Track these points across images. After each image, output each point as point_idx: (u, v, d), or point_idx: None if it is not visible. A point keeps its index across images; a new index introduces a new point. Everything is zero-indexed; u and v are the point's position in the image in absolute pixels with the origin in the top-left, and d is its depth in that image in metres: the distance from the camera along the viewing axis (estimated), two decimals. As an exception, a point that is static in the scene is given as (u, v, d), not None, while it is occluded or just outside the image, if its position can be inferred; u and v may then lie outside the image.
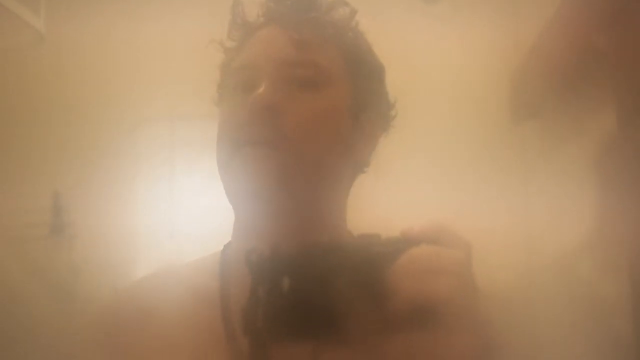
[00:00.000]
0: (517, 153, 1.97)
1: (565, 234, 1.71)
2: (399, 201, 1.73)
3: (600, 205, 1.26)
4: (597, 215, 1.27)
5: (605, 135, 1.32)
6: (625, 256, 1.25)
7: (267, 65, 0.73)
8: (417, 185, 1.87)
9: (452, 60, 1.97)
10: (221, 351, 0.71)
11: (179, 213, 2.04)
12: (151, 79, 1.98)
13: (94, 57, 2.04)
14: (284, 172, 0.70)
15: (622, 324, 1.24)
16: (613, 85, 1.23)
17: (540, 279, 1.89)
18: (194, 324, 0.73)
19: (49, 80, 2.02)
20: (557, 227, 1.79)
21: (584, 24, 1.34)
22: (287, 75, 0.72)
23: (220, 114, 0.77)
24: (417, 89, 1.80)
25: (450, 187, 1.90)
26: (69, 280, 1.86)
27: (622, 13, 1.22)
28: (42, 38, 1.90)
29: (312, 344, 0.64)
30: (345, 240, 0.56)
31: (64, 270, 1.92)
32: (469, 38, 1.99)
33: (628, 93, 1.22)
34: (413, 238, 0.54)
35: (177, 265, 0.84)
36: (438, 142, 1.92)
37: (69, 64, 2.05)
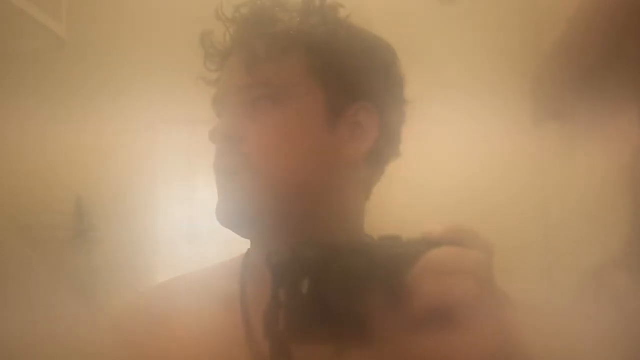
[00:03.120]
0: (537, 154, 1.96)
1: (585, 236, 1.69)
2: (417, 203, 1.72)
3: (634, 212, 1.23)
4: (632, 221, 1.24)
5: (633, 138, 1.30)
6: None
7: (226, 95, 0.74)
8: (435, 187, 1.86)
9: (472, 60, 1.96)
10: (242, 355, 0.70)
11: (199, 217, 2.05)
12: (170, 83, 1.99)
13: (114, 62, 2.06)
14: (262, 195, 0.70)
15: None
16: (637, 85, 1.21)
17: (561, 282, 1.88)
18: (215, 327, 0.73)
19: (69, 84, 2.05)
20: (576, 229, 1.77)
21: (606, 23, 1.32)
22: (243, 101, 0.72)
23: None
24: (436, 89, 1.80)
25: (470, 189, 1.89)
26: (90, 283, 1.87)
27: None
28: (63, 43, 1.92)
29: (333, 346, 0.64)
30: (366, 242, 0.55)
31: (85, 273, 1.93)
32: (488, 38, 1.98)
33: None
34: (434, 240, 0.54)
35: (199, 269, 0.84)
36: (457, 143, 1.91)
37: (89, 68, 2.07)
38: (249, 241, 0.78)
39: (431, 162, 1.82)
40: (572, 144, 1.77)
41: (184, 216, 2.07)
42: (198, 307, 0.75)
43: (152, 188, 2.08)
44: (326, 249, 0.53)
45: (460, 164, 1.91)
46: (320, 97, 0.72)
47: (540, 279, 1.92)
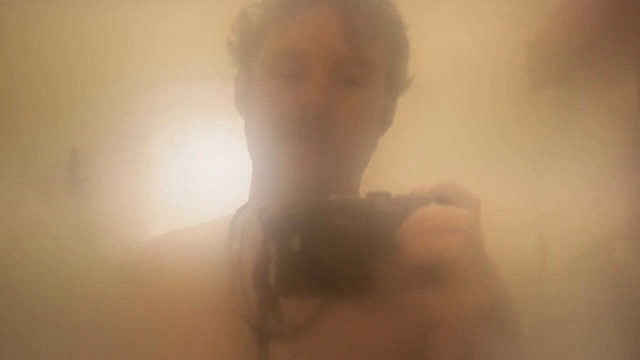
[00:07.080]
0: (534, 120, 1.96)
1: (582, 206, 1.70)
2: (413, 167, 1.73)
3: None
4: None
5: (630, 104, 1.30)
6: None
7: (319, 60, 0.71)
8: (432, 152, 1.86)
9: (471, 25, 1.94)
10: (232, 309, 0.71)
11: (194, 171, 2.05)
12: (168, 39, 1.98)
13: (114, 16, 2.04)
14: (330, 165, 0.71)
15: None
16: (634, 51, 1.21)
17: (555, 253, 1.89)
18: (205, 282, 0.74)
19: (69, 38, 2.03)
20: (573, 197, 1.78)
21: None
22: (339, 73, 0.71)
23: (256, 97, 0.75)
24: (435, 55, 1.79)
25: (467, 155, 1.89)
26: (85, 236, 1.88)
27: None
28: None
29: (321, 300, 0.65)
30: (355, 199, 0.56)
31: (80, 226, 1.94)
32: (489, 4, 1.96)
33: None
34: (423, 197, 0.54)
35: (191, 226, 0.85)
36: (455, 109, 1.91)
37: (91, 20, 2.05)
38: (240, 196, 0.79)
39: (426, 127, 1.82)
40: (571, 110, 1.76)
41: (179, 168, 2.07)
42: (189, 262, 0.76)
43: (147, 140, 2.08)
44: (317, 205, 0.54)
45: (455, 127, 1.91)
46: (385, 80, 0.76)
47: (534, 249, 1.93)
